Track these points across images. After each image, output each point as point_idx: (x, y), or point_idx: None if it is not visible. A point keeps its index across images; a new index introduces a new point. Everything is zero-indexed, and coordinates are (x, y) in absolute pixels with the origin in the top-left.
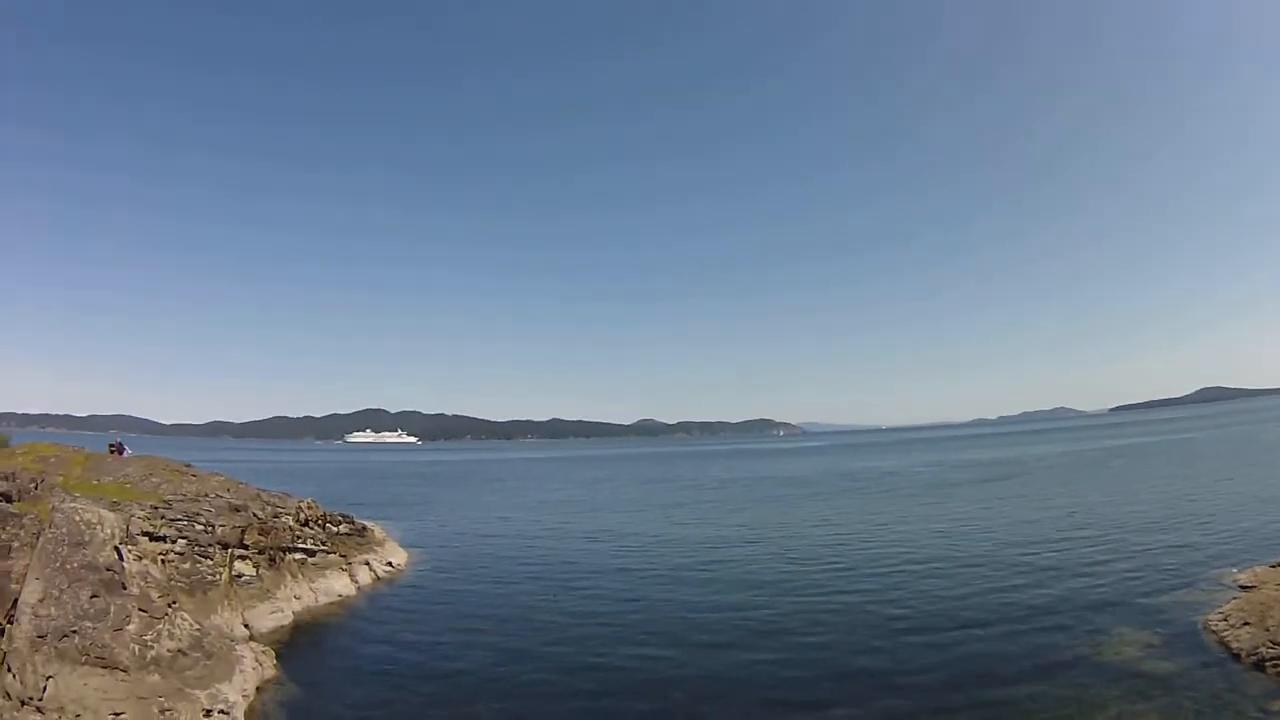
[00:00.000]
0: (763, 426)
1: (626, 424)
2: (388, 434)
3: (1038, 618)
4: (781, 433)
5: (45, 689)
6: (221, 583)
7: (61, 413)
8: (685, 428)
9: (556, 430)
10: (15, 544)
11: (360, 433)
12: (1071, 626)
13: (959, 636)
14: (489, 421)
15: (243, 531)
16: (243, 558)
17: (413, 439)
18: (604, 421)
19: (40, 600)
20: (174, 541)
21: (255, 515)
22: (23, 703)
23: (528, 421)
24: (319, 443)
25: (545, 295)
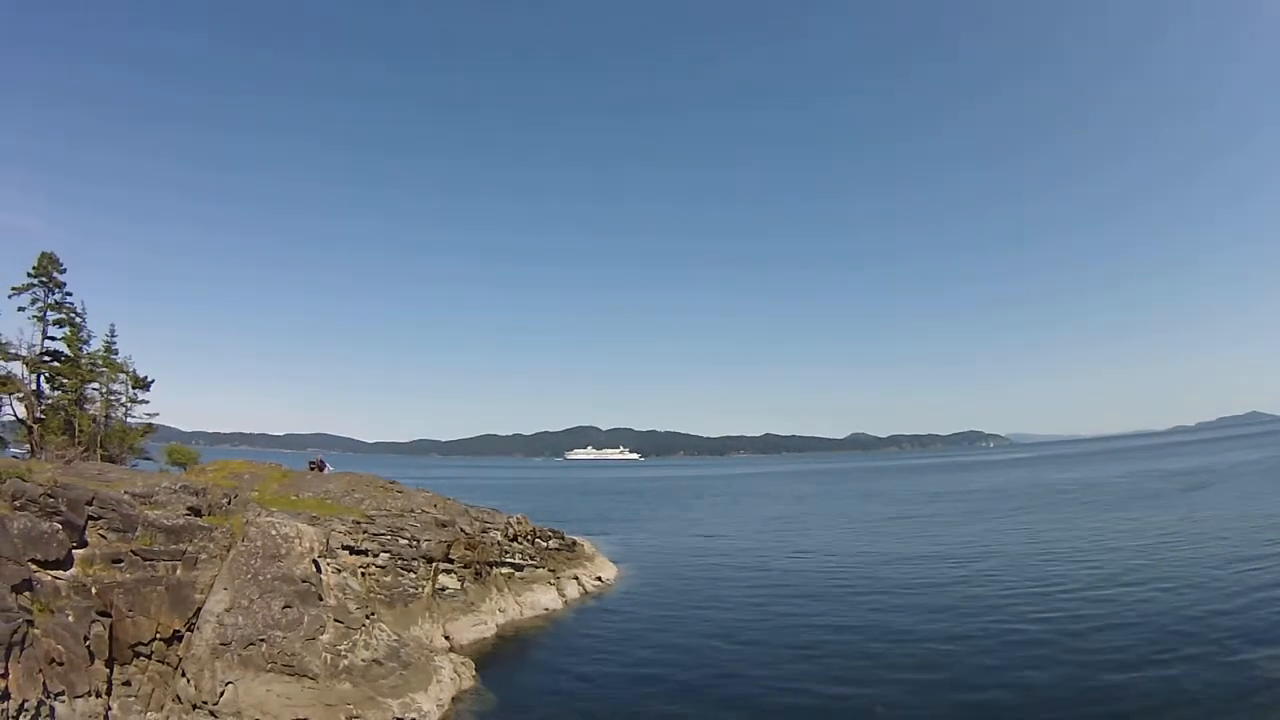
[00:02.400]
0: (972, 438)
1: (839, 438)
2: (609, 450)
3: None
4: (991, 445)
5: (222, 694)
6: (424, 596)
7: (257, 431)
8: (896, 441)
9: (769, 445)
10: (203, 556)
11: (580, 449)
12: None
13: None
14: (701, 438)
15: (448, 546)
16: (448, 571)
17: (634, 455)
18: (816, 436)
19: (227, 609)
20: (376, 555)
21: (462, 530)
22: (194, 706)
23: (740, 437)
24: (538, 460)
25: (755, 314)
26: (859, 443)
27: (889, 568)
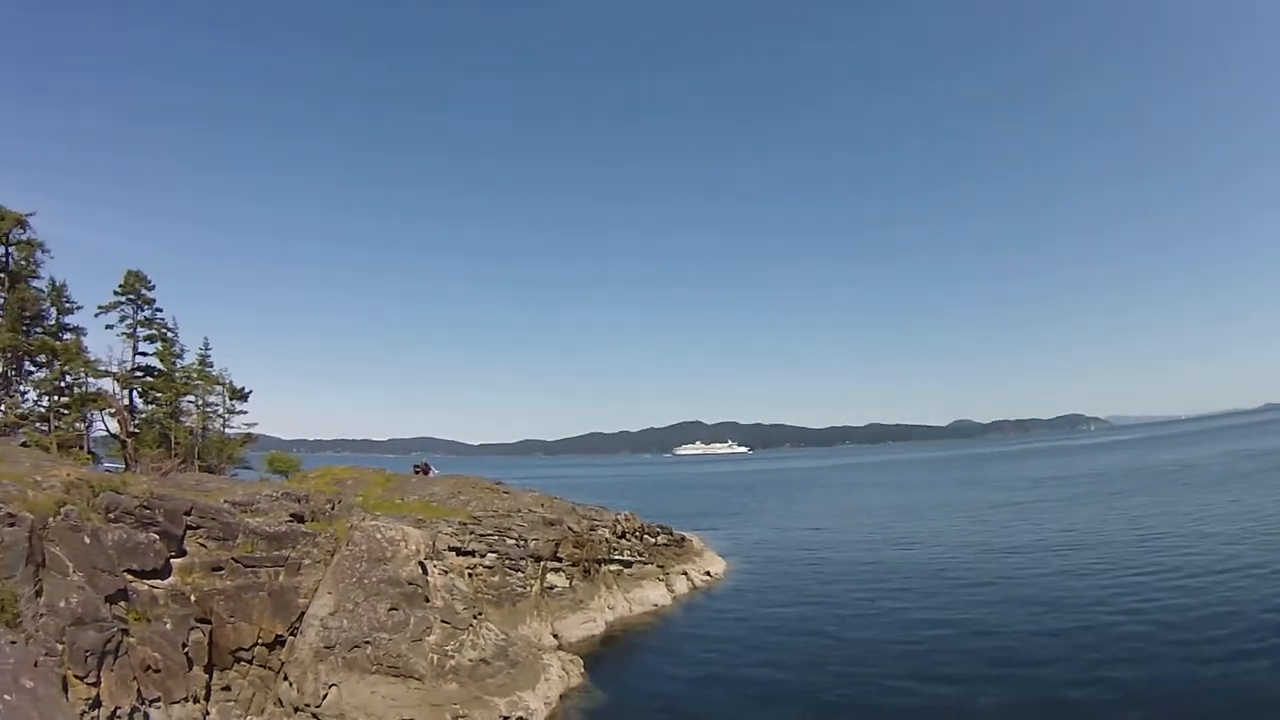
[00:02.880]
0: (1073, 421)
1: (942, 425)
2: (717, 445)
3: None
4: (1092, 427)
5: (325, 696)
6: (531, 594)
7: (360, 437)
8: (999, 427)
9: (875, 435)
10: (306, 561)
11: (689, 445)
12: None
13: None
14: (807, 429)
15: (556, 544)
16: (555, 570)
17: (742, 449)
18: (920, 424)
19: (331, 613)
20: (483, 556)
21: (570, 529)
22: (296, 709)
23: (846, 428)
24: (646, 456)
25: (856, 309)
26: (962, 430)
27: (992, 558)
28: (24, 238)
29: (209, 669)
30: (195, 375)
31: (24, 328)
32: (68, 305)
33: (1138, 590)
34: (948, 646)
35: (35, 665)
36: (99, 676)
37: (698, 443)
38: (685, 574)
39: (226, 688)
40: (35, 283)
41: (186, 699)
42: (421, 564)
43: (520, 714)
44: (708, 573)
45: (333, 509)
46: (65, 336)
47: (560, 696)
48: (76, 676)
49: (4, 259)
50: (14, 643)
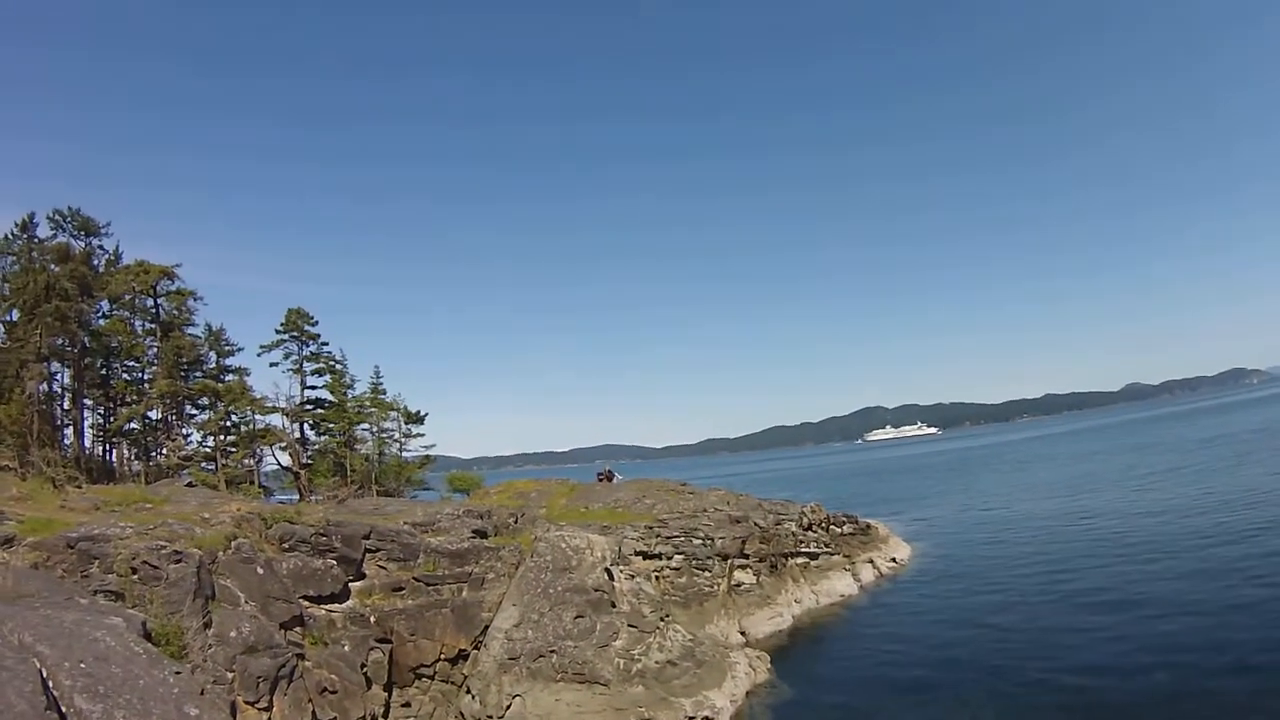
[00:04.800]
0: (1237, 376)
1: (1114, 390)
2: (906, 427)
3: None
4: (1255, 380)
5: (509, 707)
6: (719, 593)
7: (541, 450)
8: (1168, 387)
9: (1050, 406)
10: (490, 575)
11: (879, 430)
12: None
13: None
14: (985, 405)
15: (743, 542)
16: (743, 567)
17: (932, 429)
18: (1093, 391)
19: (516, 625)
20: (670, 558)
21: (756, 525)
22: None
23: (1022, 400)
24: (837, 445)
25: (1024, 279)
26: (1134, 393)
27: (1169, 526)
28: (173, 288)
29: (388, 687)
30: (368, 403)
31: (182, 374)
32: (227, 348)
33: None
34: (1135, 631)
35: (201, 693)
36: (271, 701)
37: (888, 427)
38: (871, 562)
39: (407, 704)
40: (190, 330)
41: (364, 717)
42: (607, 570)
43: (706, 713)
44: (893, 559)
45: (516, 522)
46: (227, 378)
47: (747, 693)
48: (247, 702)
49: (155, 310)
50: (179, 673)
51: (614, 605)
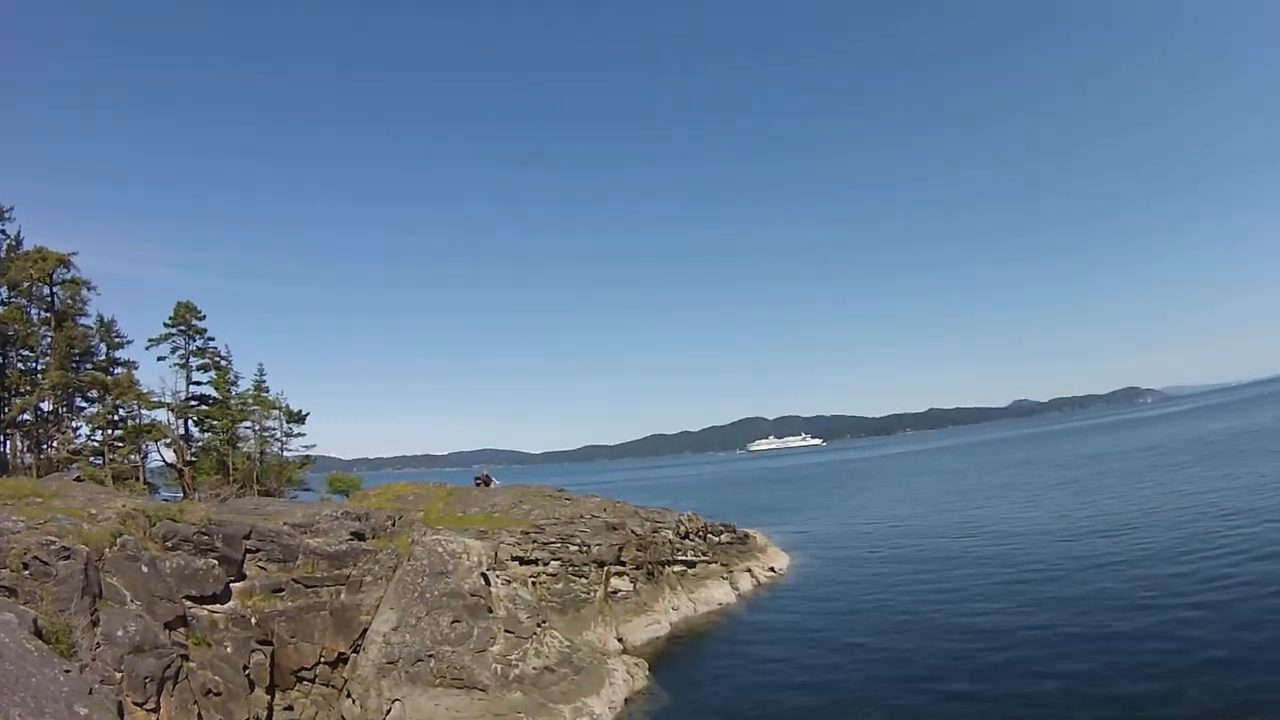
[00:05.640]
0: (1130, 395)
1: (1002, 406)
2: (790, 438)
3: None
4: (1149, 400)
5: (389, 711)
6: (596, 600)
7: (420, 453)
8: (1057, 405)
9: (934, 420)
10: (368, 578)
11: (762, 440)
12: None
13: None
14: (867, 418)
15: (619, 549)
16: (619, 574)
17: (817, 441)
18: (979, 407)
19: (394, 629)
20: (546, 564)
21: (633, 532)
22: None
23: (905, 414)
24: (721, 454)
25: (907, 293)
26: (1022, 409)
27: (1049, 542)
28: (69, 277)
29: (271, 690)
30: (251, 401)
31: (74, 365)
32: (118, 340)
33: (1195, 572)
34: (1007, 642)
35: (90, 693)
36: (159, 702)
37: (770, 437)
38: (749, 571)
39: (289, 708)
40: (83, 320)
41: None
42: (484, 575)
43: (585, 719)
44: (772, 569)
45: (394, 525)
46: (116, 371)
47: (625, 700)
48: (135, 703)
49: (50, 299)
50: (68, 671)
51: (491, 610)
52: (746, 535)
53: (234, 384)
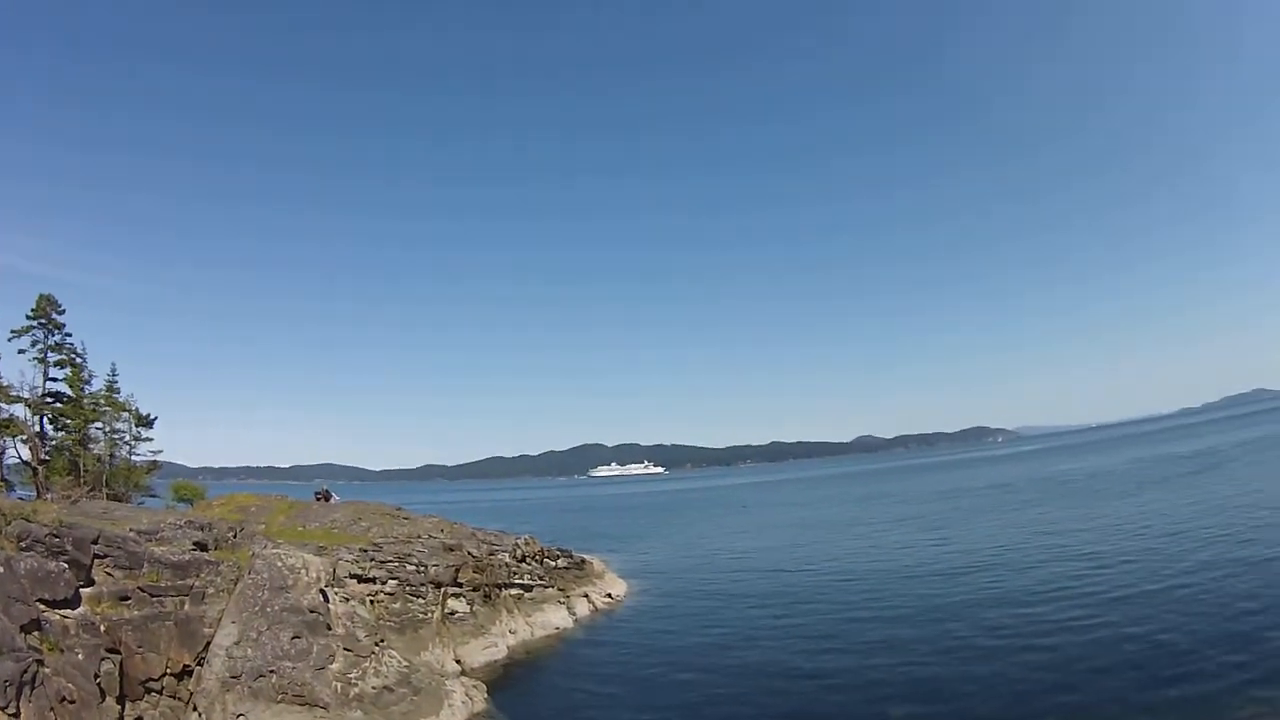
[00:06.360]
0: (979, 434)
1: (845, 441)
2: (633, 465)
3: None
4: (999, 439)
5: None
6: (433, 620)
7: (263, 464)
8: (903, 441)
9: (776, 453)
10: (210, 590)
11: (604, 466)
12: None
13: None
14: (708, 449)
15: (456, 570)
16: (456, 595)
17: (658, 469)
18: (822, 441)
19: (236, 642)
20: (384, 582)
21: (470, 554)
22: None
23: (746, 446)
24: (562, 479)
25: (755, 324)
26: (865, 445)
27: (888, 576)
28: None
29: (121, 700)
30: (103, 401)
31: None
32: None
33: (1035, 606)
34: (840, 668)
35: None
36: (18, 707)
37: (613, 464)
38: (586, 596)
39: (139, 718)
40: None
41: None
42: (323, 591)
43: None
44: (609, 595)
45: (235, 537)
46: None
47: None
48: None
49: None
50: None
51: (329, 627)
52: (583, 561)
53: (88, 383)
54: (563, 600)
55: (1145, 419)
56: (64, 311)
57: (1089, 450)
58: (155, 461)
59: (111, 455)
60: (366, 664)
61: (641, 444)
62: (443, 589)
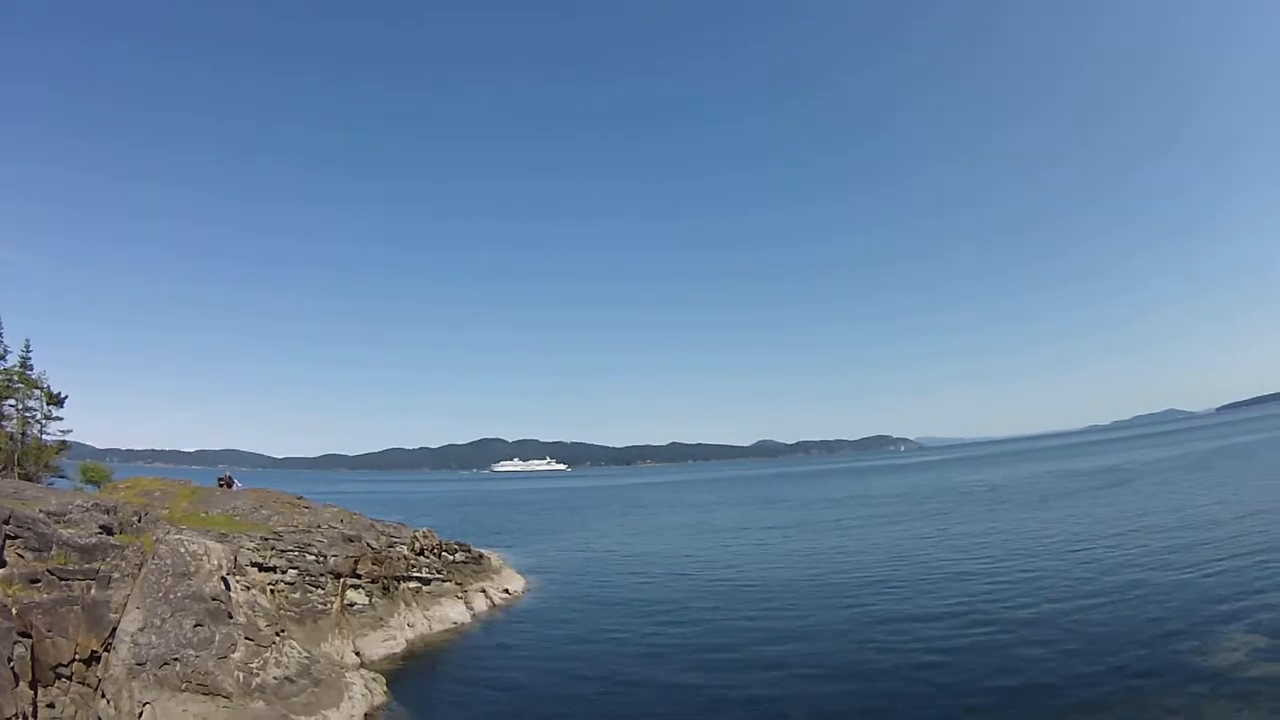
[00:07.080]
0: (881, 443)
1: (745, 445)
2: (536, 461)
3: (1142, 626)
4: (902, 448)
5: (140, 715)
6: (333, 612)
7: (169, 448)
8: (804, 447)
9: (675, 454)
10: (115, 575)
11: (507, 461)
12: (1182, 633)
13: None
14: (608, 448)
15: (355, 561)
16: (355, 587)
17: (561, 466)
18: (723, 444)
19: (140, 629)
20: (284, 572)
21: (369, 545)
22: None
23: (646, 446)
24: (464, 473)
25: (659, 327)
26: (766, 450)
27: (782, 575)
28: None
29: (34, 685)
30: (16, 378)
31: None
32: None
33: (927, 609)
34: (730, 666)
35: None
36: None
37: (516, 460)
38: (484, 592)
39: (51, 705)
40: None
41: (16, 716)
42: (224, 579)
43: None
44: (506, 590)
45: (139, 521)
46: None
47: (365, 715)
48: None
49: None
50: None
51: (231, 616)
52: (481, 555)
53: (2, 358)
54: (460, 595)
55: (1051, 434)
56: None
57: (990, 462)
58: (65, 442)
59: (24, 434)
60: (268, 654)
61: (541, 440)
62: (342, 580)
